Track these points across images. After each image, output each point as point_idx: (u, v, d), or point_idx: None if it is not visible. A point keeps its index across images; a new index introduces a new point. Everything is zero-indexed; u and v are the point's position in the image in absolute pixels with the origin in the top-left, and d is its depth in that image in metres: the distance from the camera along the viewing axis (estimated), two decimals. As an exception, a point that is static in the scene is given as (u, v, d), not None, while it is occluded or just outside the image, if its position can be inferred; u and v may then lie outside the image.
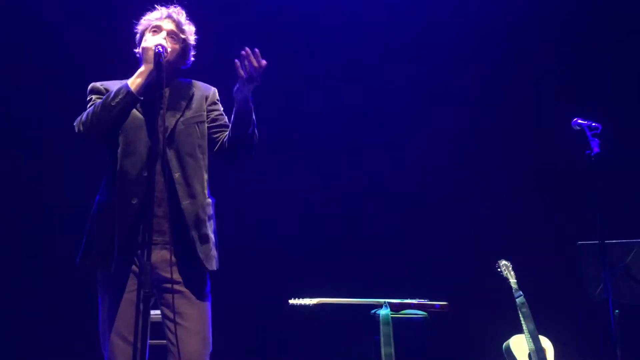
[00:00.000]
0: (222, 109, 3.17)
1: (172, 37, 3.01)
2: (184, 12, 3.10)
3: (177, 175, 2.90)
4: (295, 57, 5.48)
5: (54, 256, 4.95)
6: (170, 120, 2.95)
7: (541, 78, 5.65)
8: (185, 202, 2.89)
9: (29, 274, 5.03)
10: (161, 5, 3.09)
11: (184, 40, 3.06)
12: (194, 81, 3.15)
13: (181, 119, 2.98)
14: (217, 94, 3.17)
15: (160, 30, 3.00)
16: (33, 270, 5.04)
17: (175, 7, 3.10)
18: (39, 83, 5.15)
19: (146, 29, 3.04)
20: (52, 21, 5.15)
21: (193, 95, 3.06)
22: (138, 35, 3.08)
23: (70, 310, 4.92)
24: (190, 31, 3.09)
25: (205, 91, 3.13)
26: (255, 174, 5.24)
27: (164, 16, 3.04)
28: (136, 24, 3.09)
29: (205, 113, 3.07)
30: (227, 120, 3.12)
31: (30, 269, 5.04)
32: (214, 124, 3.10)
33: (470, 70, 5.65)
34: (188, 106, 3.02)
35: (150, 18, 3.05)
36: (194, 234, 2.90)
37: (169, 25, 3.03)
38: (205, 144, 3.04)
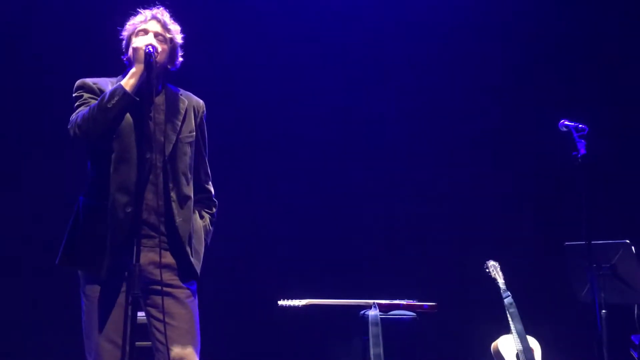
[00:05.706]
0: (206, 133, 3.17)
1: (159, 39, 2.98)
2: (167, 12, 3.08)
3: (172, 194, 2.93)
4: (295, 59, 5.49)
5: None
6: (171, 136, 2.96)
7: (528, 80, 5.68)
8: (179, 220, 2.94)
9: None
10: (144, 8, 3.06)
11: (171, 40, 3.03)
12: (183, 91, 3.13)
13: (180, 135, 3.00)
14: (205, 112, 3.16)
15: (147, 33, 2.98)
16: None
17: (158, 7, 3.08)
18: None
19: (132, 33, 3.01)
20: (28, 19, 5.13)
21: (186, 109, 3.06)
22: (125, 41, 3.04)
23: (49, 313, 4.87)
24: (176, 30, 3.07)
25: (195, 105, 3.12)
26: (244, 176, 5.24)
27: (148, 18, 3.02)
28: (121, 31, 3.06)
29: (194, 133, 3.08)
30: (204, 152, 3.15)
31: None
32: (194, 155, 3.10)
33: (459, 74, 5.67)
34: (183, 121, 3.03)
35: (135, 22, 3.03)
36: (188, 248, 2.97)
37: (155, 27, 3.00)
38: (192, 164, 3.07)
